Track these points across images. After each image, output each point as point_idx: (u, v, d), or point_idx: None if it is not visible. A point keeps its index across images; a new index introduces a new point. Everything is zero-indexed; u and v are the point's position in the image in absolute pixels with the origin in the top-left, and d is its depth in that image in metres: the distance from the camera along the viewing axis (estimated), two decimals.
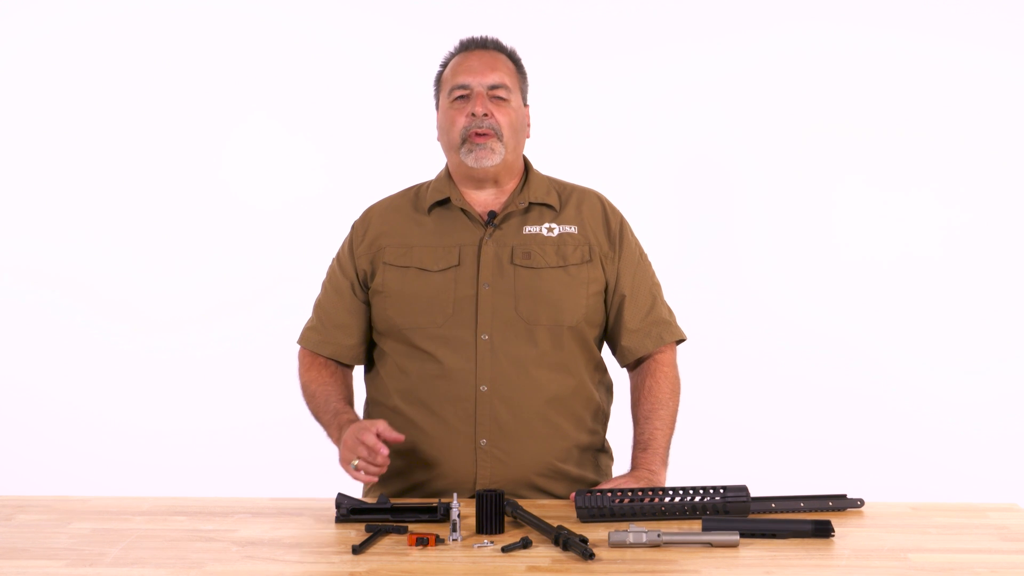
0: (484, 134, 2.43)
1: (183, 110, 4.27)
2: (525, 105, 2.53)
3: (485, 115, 2.43)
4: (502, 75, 2.47)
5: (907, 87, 4.14)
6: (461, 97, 2.46)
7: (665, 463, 2.47)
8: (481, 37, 2.53)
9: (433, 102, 2.57)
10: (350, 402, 2.52)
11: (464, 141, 2.44)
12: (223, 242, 4.27)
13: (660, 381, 2.51)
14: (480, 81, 2.45)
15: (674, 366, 2.55)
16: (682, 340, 2.57)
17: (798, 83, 4.16)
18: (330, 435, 2.46)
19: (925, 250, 4.16)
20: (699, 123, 4.19)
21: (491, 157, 2.43)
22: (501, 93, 2.45)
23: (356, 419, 2.42)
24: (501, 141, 2.43)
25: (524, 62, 2.57)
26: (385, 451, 2.25)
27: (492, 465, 2.40)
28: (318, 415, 2.50)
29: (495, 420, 2.39)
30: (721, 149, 4.20)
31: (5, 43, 4.28)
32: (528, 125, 2.54)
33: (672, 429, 2.51)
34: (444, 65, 2.54)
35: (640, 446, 2.48)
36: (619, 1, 4.19)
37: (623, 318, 2.50)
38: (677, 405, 2.53)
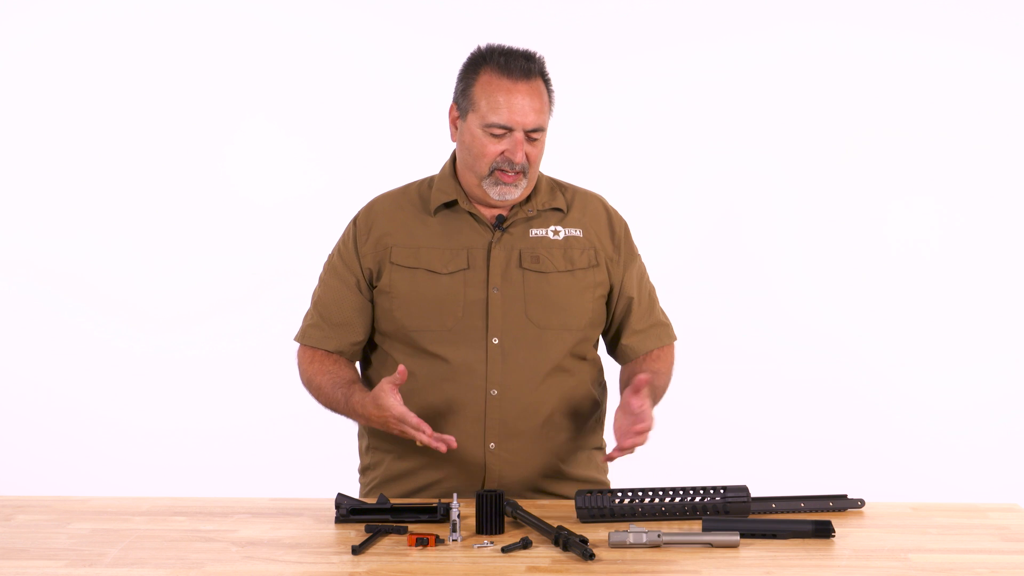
0: (514, 174, 2.38)
1: (182, 109, 4.27)
2: None
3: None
4: (540, 116, 2.36)
5: (909, 90, 4.15)
6: (497, 135, 2.36)
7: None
8: (520, 61, 2.36)
9: (451, 94, 2.44)
10: (356, 380, 2.46)
11: (491, 172, 2.39)
12: (222, 240, 4.27)
13: (661, 360, 2.51)
14: (523, 124, 2.34)
15: (674, 360, 2.56)
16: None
17: (802, 87, 4.17)
18: (353, 419, 2.42)
19: (925, 251, 4.17)
20: (705, 128, 4.19)
21: (514, 193, 2.39)
22: (536, 136, 2.37)
23: (362, 394, 2.36)
24: (526, 177, 2.40)
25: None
26: (426, 438, 2.25)
27: (501, 468, 2.39)
28: (331, 406, 2.45)
29: (504, 424, 2.38)
30: (724, 153, 4.20)
31: (5, 43, 4.28)
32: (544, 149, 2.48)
33: (660, 398, 2.48)
34: (475, 70, 2.38)
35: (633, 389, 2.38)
36: (639, 3, 4.19)
37: (630, 319, 2.50)
38: (668, 385, 2.52)
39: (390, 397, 2.26)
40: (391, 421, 2.28)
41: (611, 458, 2.33)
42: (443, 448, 2.25)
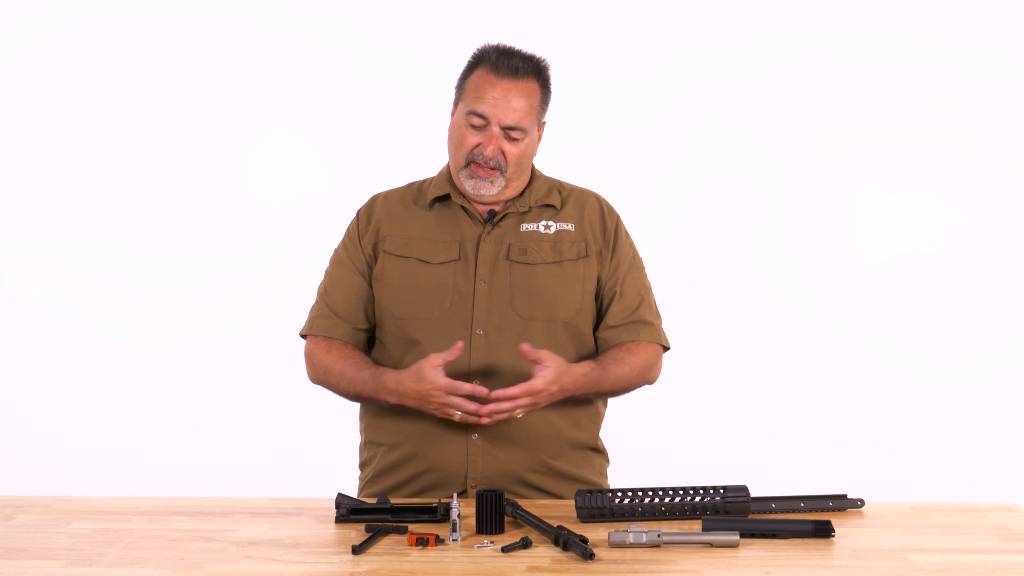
0: (488, 168, 2.42)
1: (181, 109, 4.27)
2: (542, 122, 2.50)
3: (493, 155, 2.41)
4: (521, 116, 2.41)
5: (909, 89, 4.15)
6: (475, 127, 2.42)
7: (575, 387, 2.37)
8: (515, 60, 2.42)
9: (454, 92, 2.51)
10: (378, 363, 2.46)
11: (468, 164, 2.44)
12: (222, 241, 4.27)
13: (629, 352, 2.46)
14: (499, 118, 2.40)
15: (652, 360, 2.49)
16: (666, 348, 2.54)
17: (801, 86, 4.16)
18: (384, 399, 2.40)
19: (925, 251, 4.16)
20: (705, 127, 4.19)
21: (489, 188, 2.44)
22: (515, 135, 2.41)
23: (395, 372, 2.37)
24: (503, 175, 2.43)
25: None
26: (469, 408, 2.30)
27: (483, 459, 2.40)
28: (356, 389, 2.44)
29: None
30: (725, 152, 4.20)
31: (7, 44, 4.28)
32: (535, 152, 2.51)
33: (603, 388, 2.44)
34: (473, 66, 2.46)
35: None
36: (632, 3, 4.19)
37: (607, 314, 2.50)
38: (624, 381, 2.45)
39: (436, 371, 2.29)
40: (433, 393, 2.30)
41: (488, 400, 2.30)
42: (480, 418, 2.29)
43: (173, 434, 4.28)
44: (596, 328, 2.52)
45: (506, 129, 2.41)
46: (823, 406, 4.17)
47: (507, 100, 2.40)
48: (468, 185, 2.44)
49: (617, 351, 2.46)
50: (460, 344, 2.31)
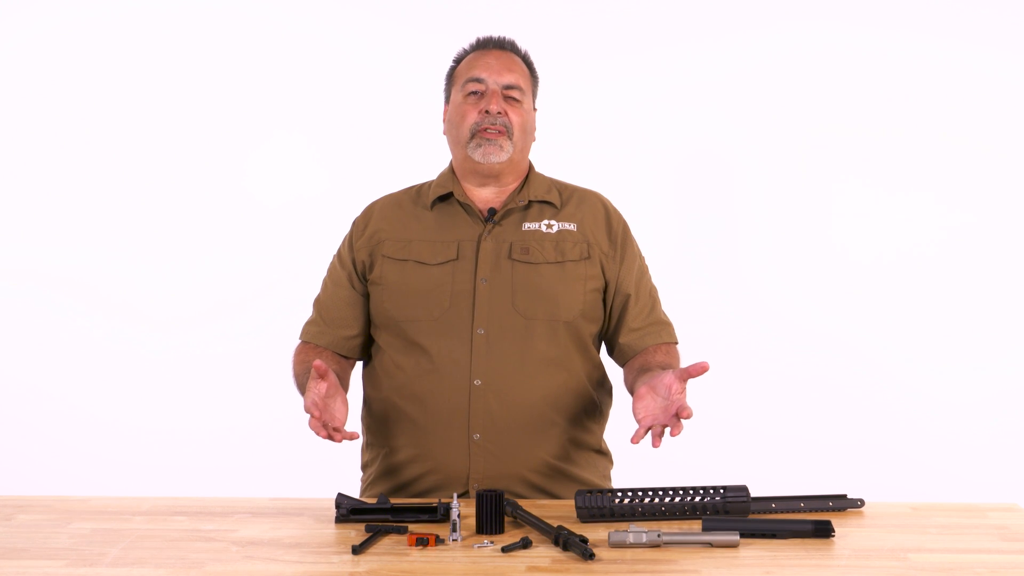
0: (495, 131, 2.44)
1: (183, 110, 4.27)
2: (534, 109, 2.56)
3: (499, 113, 2.44)
4: (517, 76, 2.49)
5: (907, 87, 4.15)
6: (474, 92, 2.47)
7: None
8: (499, 37, 2.55)
9: (443, 96, 2.59)
10: (337, 374, 2.43)
11: (473, 136, 2.45)
12: (223, 242, 4.27)
13: (672, 357, 2.49)
14: (496, 79, 2.47)
15: (680, 362, 2.53)
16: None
17: (798, 84, 4.17)
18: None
19: (925, 250, 4.17)
20: (700, 124, 4.19)
21: (499, 154, 2.45)
22: (515, 94, 2.48)
23: (310, 389, 2.31)
24: (511, 140, 2.45)
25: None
26: (313, 421, 2.22)
27: (485, 460, 2.40)
28: (301, 391, 2.46)
29: (489, 415, 2.39)
30: (722, 150, 4.20)
31: (7, 44, 4.28)
32: (534, 129, 2.56)
33: None
34: (458, 61, 2.56)
35: (659, 369, 2.36)
36: (620, 2, 4.20)
37: (626, 317, 2.50)
38: None
39: (311, 381, 2.27)
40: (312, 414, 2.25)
41: (637, 437, 2.21)
42: (322, 434, 2.22)
43: (173, 434, 4.28)
44: (613, 332, 2.52)
45: (506, 89, 2.46)
46: (823, 406, 4.17)
47: (500, 63, 2.49)
48: (478, 155, 2.45)
49: (662, 358, 2.45)
50: (318, 363, 2.22)
